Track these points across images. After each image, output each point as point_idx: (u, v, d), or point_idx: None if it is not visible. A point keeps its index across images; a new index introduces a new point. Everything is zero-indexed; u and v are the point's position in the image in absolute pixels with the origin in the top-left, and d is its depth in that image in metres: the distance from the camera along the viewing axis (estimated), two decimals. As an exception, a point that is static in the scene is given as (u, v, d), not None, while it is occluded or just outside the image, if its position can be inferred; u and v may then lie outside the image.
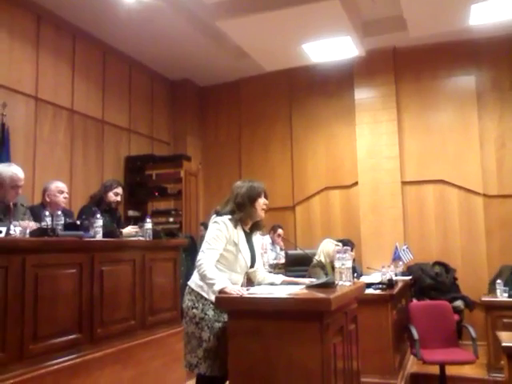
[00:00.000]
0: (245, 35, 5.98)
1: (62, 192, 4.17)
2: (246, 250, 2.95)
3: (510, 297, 4.91)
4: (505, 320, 4.72)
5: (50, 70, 5.72)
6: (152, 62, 7.26)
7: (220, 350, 2.71)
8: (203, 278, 2.73)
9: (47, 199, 4.13)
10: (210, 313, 2.81)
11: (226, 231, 2.85)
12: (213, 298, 2.73)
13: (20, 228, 3.14)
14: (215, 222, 2.89)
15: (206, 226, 3.26)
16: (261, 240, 3.28)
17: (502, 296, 4.95)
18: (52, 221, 3.41)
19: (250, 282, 3.14)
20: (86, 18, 5.87)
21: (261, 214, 2.99)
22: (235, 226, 2.89)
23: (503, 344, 2.87)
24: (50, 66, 5.71)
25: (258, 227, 3.09)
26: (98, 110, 6.45)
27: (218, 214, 2.95)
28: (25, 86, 5.38)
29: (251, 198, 2.92)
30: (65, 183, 4.44)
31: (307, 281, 3.00)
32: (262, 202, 2.97)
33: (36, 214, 3.80)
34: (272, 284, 3.01)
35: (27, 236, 3.17)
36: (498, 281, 5.09)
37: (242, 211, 2.90)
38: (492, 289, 5.55)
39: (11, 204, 3.67)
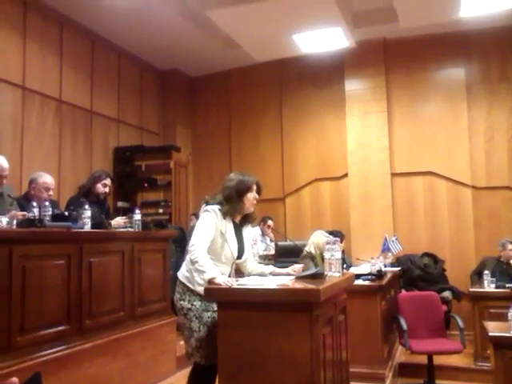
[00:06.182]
0: (235, 25, 5.93)
1: (48, 189, 4.07)
2: (234, 241, 2.95)
3: (496, 287, 4.96)
4: (491, 310, 4.78)
5: (38, 59, 5.63)
6: (141, 51, 7.18)
7: (212, 339, 2.70)
8: (194, 263, 2.72)
9: (32, 192, 4.07)
10: (197, 303, 2.83)
11: (216, 220, 2.87)
12: (198, 289, 2.76)
13: (7, 219, 3.10)
14: (206, 210, 2.91)
15: (197, 216, 3.25)
16: (252, 232, 3.27)
17: (488, 287, 5.01)
18: (39, 211, 3.37)
19: (240, 273, 3.14)
20: (74, 6, 5.77)
21: (249, 208, 2.99)
22: (224, 217, 2.90)
23: (490, 334, 2.91)
24: (37, 55, 5.62)
25: (249, 220, 3.10)
26: (86, 100, 6.38)
27: (208, 203, 2.97)
28: (11, 75, 5.29)
29: (239, 192, 2.92)
30: (53, 174, 4.38)
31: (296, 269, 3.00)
32: (251, 196, 2.96)
33: (22, 206, 3.76)
34: (262, 274, 3.01)
35: (14, 227, 3.14)
36: (486, 272, 5.14)
37: (229, 205, 2.91)
38: (474, 280, 5.64)
39: (-3, 194, 3.62)
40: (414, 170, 6.79)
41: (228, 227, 2.92)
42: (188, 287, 2.87)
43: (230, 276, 2.92)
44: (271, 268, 3.10)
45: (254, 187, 2.98)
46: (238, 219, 3.03)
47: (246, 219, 3.07)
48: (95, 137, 6.53)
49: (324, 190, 7.31)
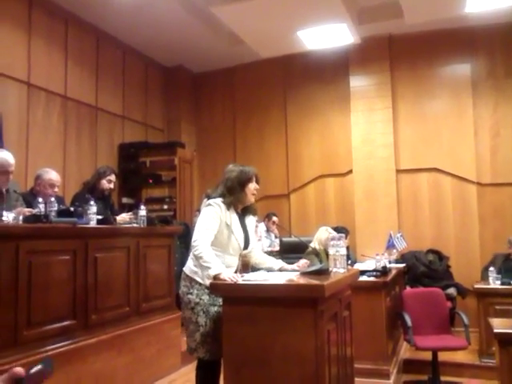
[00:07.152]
0: (240, 21, 5.92)
1: (53, 186, 4.09)
2: (239, 231, 2.96)
3: (502, 284, 4.95)
4: (497, 307, 4.76)
5: (43, 55, 5.64)
6: (146, 47, 7.18)
7: (217, 333, 2.71)
8: (198, 258, 2.73)
9: (37, 188, 4.08)
10: (205, 298, 2.84)
11: (220, 212, 2.88)
12: (207, 282, 2.74)
13: (13, 214, 3.12)
14: (209, 204, 2.92)
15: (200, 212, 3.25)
16: (255, 221, 3.28)
17: (494, 283, 4.99)
18: (45, 207, 3.39)
19: (246, 267, 3.14)
20: (79, 2, 5.77)
21: (250, 198, 3.01)
22: (227, 209, 2.91)
23: (495, 330, 2.90)
24: (42, 51, 5.63)
25: (250, 210, 3.11)
26: (91, 97, 6.39)
27: (209, 197, 2.97)
28: (17, 71, 5.31)
29: (241, 182, 2.93)
30: (58, 170, 4.40)
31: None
32: (252, 186, 2.97)
33: (28, 201, 3.78)
34: (270, 270, 3.01)
35: (20, 222, 3.15)
36: (491, 268, 5.13)
37: (232, 195, 2.92)
38: (485, 276, 5.60)
39: (3, 190, 3.64)
40: (419, 166, 6.77)
41: (233, 218, 2.93)
42: (196, 281, 2.87)
43: (237, 269, 2.93)
44: (280, 263, 3.08)
45: (254, 178, 3.00)
46: (239, 210, 3.04)
47: (247, 210, 3.08)
48: (100, 133, 6.55)
49: (329, 187, 7.31)
